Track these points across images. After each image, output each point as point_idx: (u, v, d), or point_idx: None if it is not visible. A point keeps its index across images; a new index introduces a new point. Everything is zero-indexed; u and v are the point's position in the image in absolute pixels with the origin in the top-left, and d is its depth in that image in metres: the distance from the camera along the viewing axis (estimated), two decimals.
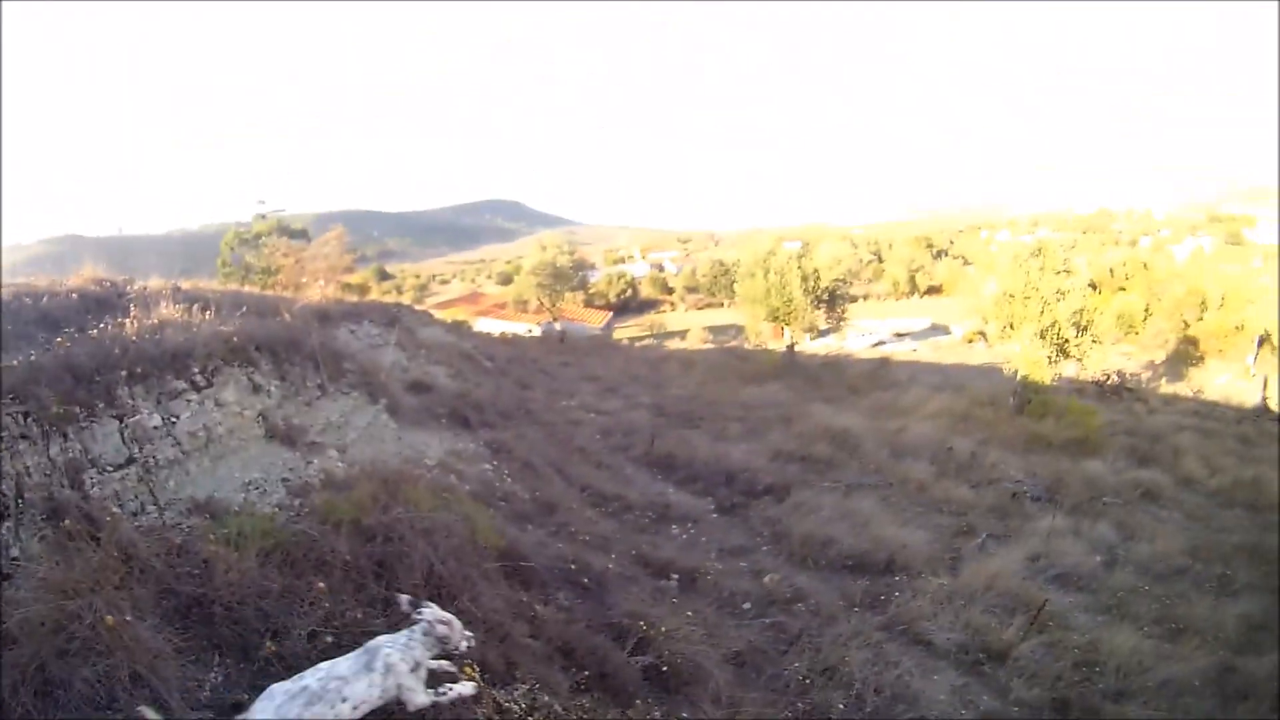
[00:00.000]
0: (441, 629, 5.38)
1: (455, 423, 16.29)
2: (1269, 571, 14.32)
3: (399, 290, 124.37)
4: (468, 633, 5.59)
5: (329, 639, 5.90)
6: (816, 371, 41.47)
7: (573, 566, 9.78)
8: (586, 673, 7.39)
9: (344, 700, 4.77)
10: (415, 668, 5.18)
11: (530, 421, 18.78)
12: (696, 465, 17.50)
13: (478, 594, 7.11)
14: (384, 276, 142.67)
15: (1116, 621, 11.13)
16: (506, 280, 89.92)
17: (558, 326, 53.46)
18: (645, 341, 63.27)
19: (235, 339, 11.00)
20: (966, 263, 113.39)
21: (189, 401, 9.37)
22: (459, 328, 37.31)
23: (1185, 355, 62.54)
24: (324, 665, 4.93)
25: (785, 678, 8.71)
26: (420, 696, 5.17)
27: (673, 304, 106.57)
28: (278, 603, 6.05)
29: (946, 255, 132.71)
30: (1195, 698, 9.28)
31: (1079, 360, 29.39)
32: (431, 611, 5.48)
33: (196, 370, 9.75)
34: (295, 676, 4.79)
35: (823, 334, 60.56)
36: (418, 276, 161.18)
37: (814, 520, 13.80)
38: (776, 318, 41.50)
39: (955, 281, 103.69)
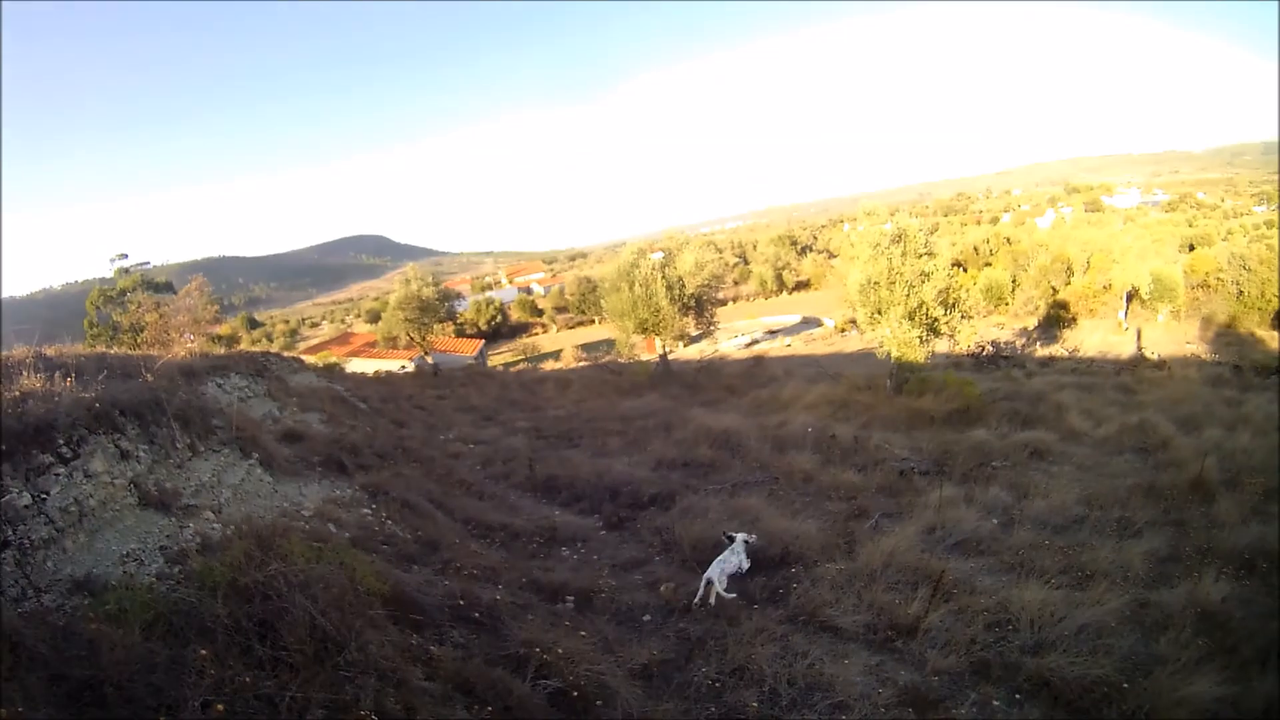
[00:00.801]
0: (746, 543, 12.04)
1: (331, 469, 15.99)
2: (1167, 507, 14.83)
3: (269, 338, 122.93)
4: (752, 536, 12.38)
5: (220, 707, 5.78)
6: (692, 377, 41.93)
7: (462, 602, 9.68)
8: (490, 708, 7.32)
9: (726, 562, 11.35)
10: (738, 556, 11.68)
11: (408, 460, 18.51)
12: (580, 484, 17.51)
13: (365, 642, 6.97)
14: (253, 325, 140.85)
15: (1022, 578, 11.22)
16: (375, 317, 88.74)
17: (430, 360, 52.90)
18: (519, 366, 63.04)
19: (98, 405, 10.62)
20: (831, 255, 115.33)
21: (57, 476, 8.99)
22: (331, 371, 36.84)
23: (1057, 319, 65.45)
24: (721, 556, 11.51)
25: (695, 684, 8.73)
26: (745, 564, 11.73)
27: (544, 326, 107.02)
28: (166, 676, 5.92)
29: (811, 250, 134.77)
30: (1115, 637, 9.39)
31: (950, 336, 30.15)
32: (742, 535, 12.11)
33: (62, 442, 9.41)
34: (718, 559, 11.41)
35: (695, 340, 61.24)
36: (287, 322, 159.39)
37: (703, 524, 13.79)
38: (646, 329, 41.80)
39: (822, 275, 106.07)
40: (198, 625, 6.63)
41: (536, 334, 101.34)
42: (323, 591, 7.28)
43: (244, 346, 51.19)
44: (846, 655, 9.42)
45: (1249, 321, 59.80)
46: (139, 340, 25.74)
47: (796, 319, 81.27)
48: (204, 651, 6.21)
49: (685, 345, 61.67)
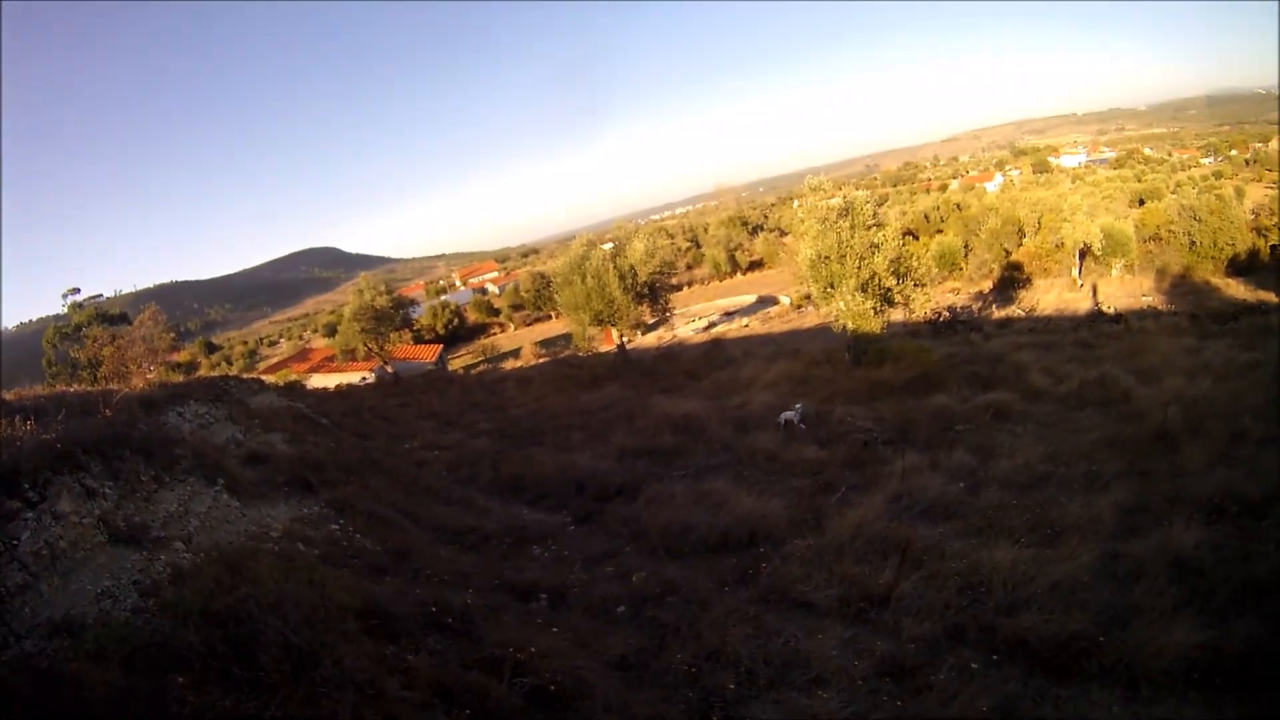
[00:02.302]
0: (800, 409, 20.82)
1: (297, 488, 15.75)
2: (1132, 458, 14.93)
3: (228, 360, 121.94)
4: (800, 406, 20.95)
5: None
6: (651, 365, 41.96)
7: (435, 609, 9.61)
8: (468, 711, 7.28)
9: (788, 414, 20.39)
10: (796, 411, 20.44)
11: (374, 471, 18.28)
12: (546, 481, 17.67)
13: (340, 657, 6.98)
14: (211, 349, 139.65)
15: (991, 540, 11.17)
16: (332, 331, 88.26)
17: (389, 369, 52.68)
18: (480, 367, 62.72)
19: (60, 445, 10.49)
20: (783, 233, 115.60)
21: (26, 520, 8.98)
22: (292, 389, 36.58)
23: (1012, 280, 66.48)
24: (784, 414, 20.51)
25: (672, 670, 8.68)
26: (798, 415, 20.36)
27: (501, 325, 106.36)
28: (150, 708, 5.98)
29: (763, 229, 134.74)
30: (1089, 591, 9.43)
31: (905, 305, 30.50)
32: (798, 406, 21.02)
33: (27, 486, 9.37)
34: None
35: (652, 327, 61.25)
36: (245, 343, 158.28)
37: (670, 511, 13.88)
38: (602, 320, 41.85)
39: (775, 253, 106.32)
40: (175, 655, 6.64)
41: (495, 334, 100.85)
42: (293, 610, 7.26)
43: (204, 372, 51.05)
44: (821, 630, 9.41)
45: (1203, 271, 61.15)
46: (98, 375, 25.54)
47: (752, 299, 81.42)
48: (182, 680, 6.26)
49: (643, 334, 61.62)
